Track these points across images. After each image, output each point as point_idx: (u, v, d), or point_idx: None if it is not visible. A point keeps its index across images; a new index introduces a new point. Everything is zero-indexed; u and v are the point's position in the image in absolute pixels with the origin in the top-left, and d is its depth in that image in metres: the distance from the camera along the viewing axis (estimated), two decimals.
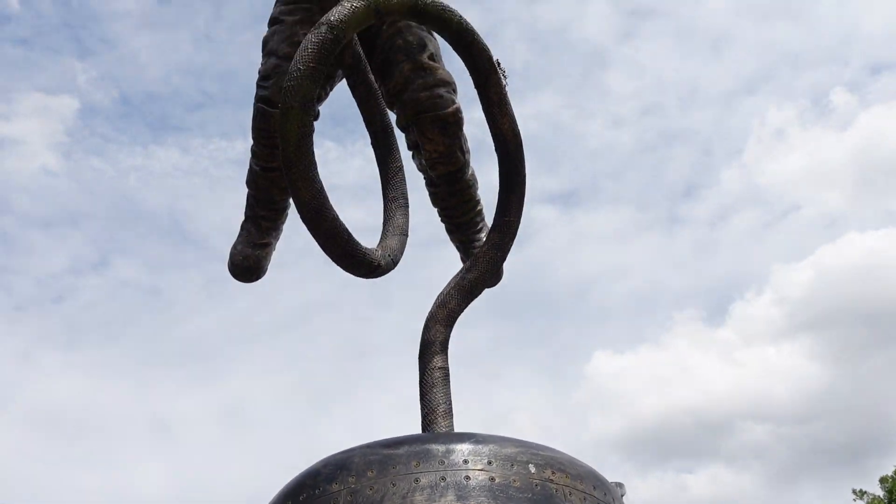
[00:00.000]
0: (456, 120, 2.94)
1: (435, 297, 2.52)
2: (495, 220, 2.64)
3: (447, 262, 3.45)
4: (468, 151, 3.09)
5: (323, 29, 2.18)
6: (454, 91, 2.99)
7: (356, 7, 2.21)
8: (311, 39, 2.17)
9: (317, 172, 2.22)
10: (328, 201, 2.27)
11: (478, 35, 2.45)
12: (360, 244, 2.42)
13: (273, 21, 3.11)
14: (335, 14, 2.20)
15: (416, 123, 2.93)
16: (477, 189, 3.28)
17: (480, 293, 2.61)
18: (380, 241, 2.71)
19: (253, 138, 3.06)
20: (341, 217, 2.33)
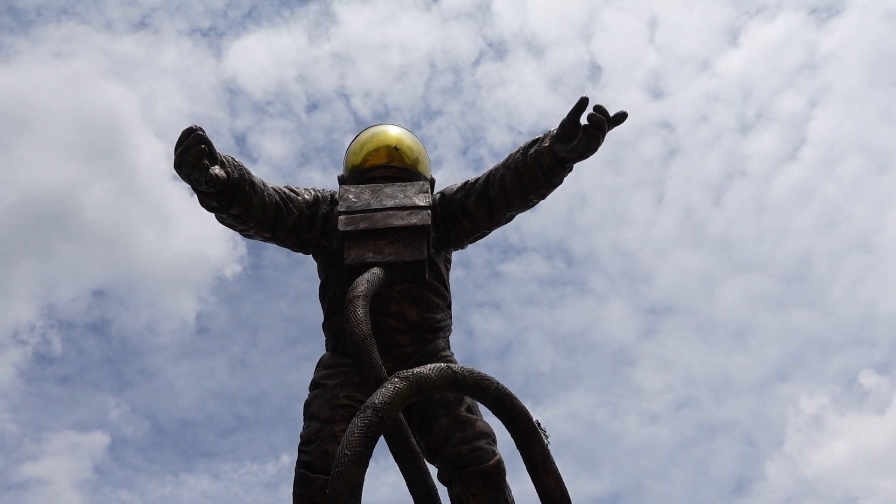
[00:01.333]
0: (498, 472, 2.87)
1: None
2: None
3: None
4: (513, 502, 2.97)
5: (369, 413, 2.20)
6: (494, 442, 2.96)
7: (399, 388, 2.26)
8: (357, 424, 2.19)
9: None
10: None
11: (516, 399, 2.47)
12: None
13: (314, 385, 3.16)
14: (379, 397, 2.24)
15: (459, 478, 2.88)
16: None
17: None
18: None
19: None
20: None
